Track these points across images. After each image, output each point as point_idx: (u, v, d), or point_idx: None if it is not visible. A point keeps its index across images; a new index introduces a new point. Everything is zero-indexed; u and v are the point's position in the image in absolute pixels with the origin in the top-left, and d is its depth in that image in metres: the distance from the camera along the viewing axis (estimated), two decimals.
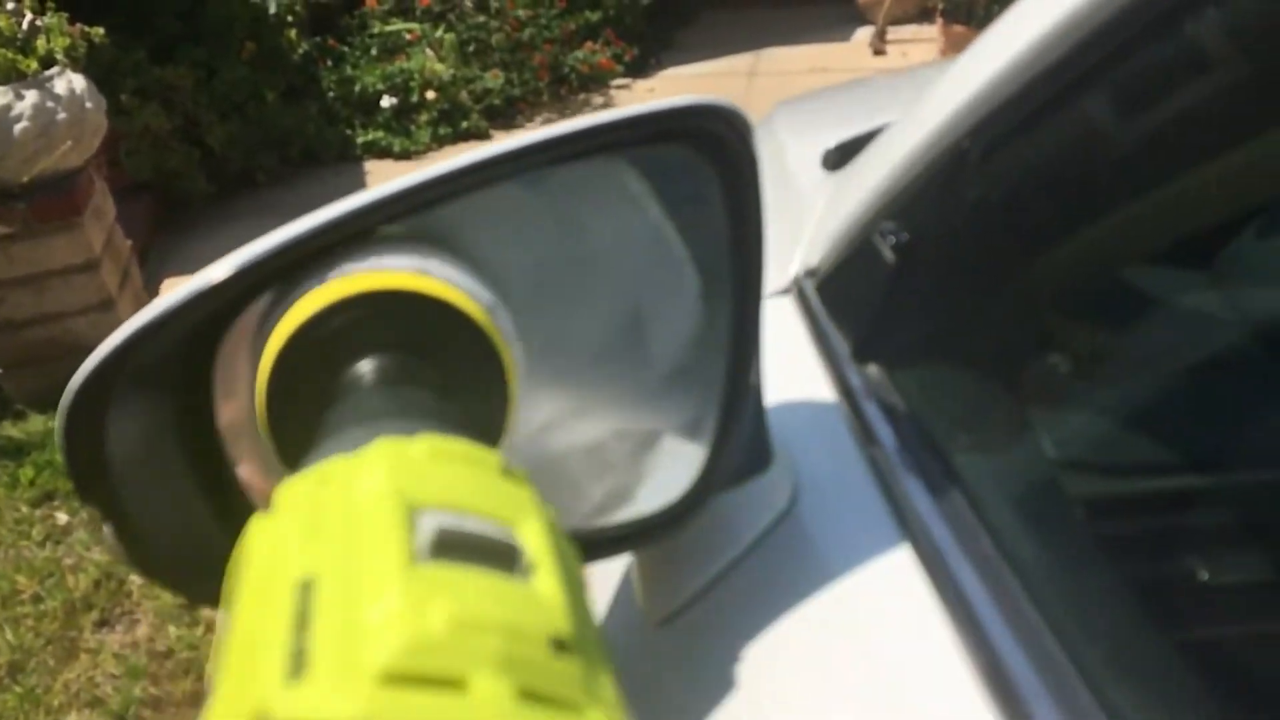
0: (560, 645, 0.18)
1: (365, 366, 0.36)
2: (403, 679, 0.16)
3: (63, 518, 2.29)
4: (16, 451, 2.49)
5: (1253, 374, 0.62)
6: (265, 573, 0.21)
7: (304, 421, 0.35)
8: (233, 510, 0.42)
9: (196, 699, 1.87)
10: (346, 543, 0.20)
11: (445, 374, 0.37)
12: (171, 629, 1.99)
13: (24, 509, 2.31)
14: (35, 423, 2.60)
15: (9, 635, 1.93)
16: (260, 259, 0.39)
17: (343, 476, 0.23)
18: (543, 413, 0.48)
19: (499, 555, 0.20)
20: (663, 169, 0.47)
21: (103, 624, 2.04)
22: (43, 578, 2.10)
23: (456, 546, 0.20)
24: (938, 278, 0.59)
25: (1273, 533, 0.57)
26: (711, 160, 0.45)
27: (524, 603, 0.19)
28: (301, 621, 0.18)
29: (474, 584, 0.19)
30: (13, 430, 2.57)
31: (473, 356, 0.38)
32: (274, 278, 0.40)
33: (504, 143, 0.42)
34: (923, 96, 0.65)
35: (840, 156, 0.88)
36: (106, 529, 0.39)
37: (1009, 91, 0.54)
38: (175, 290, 0.39)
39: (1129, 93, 0.50)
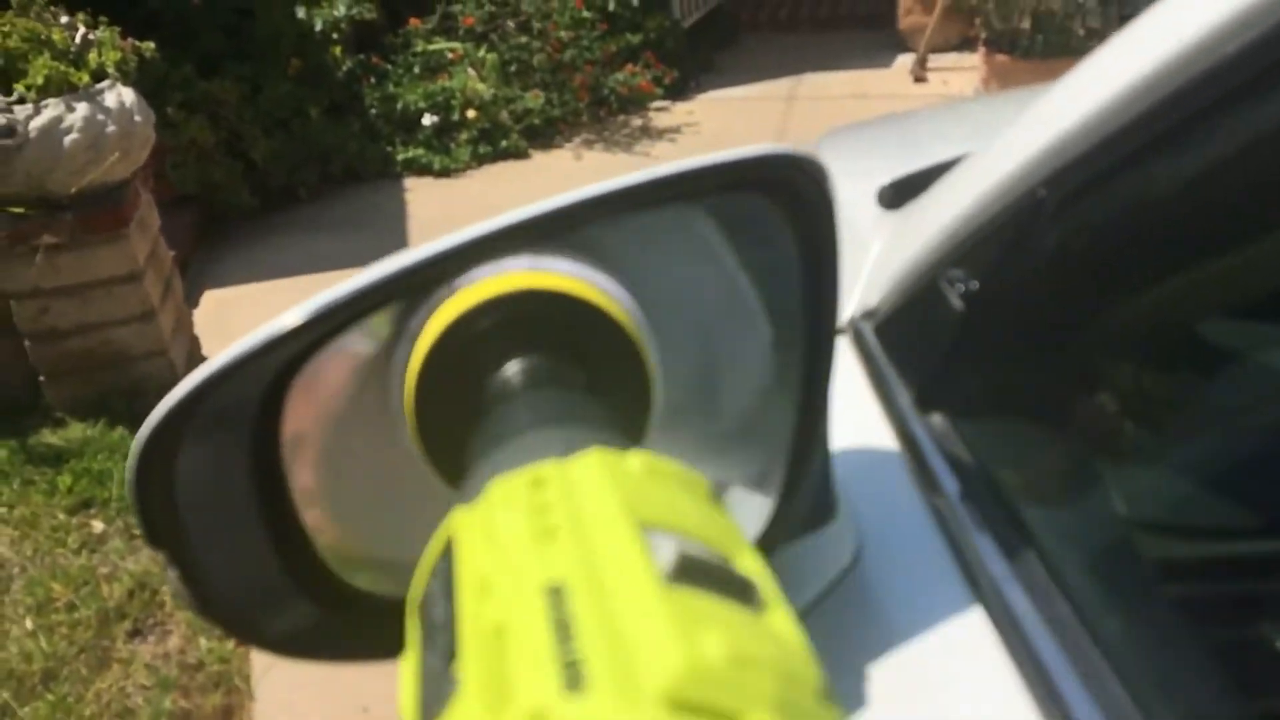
0: (825, 694, 0.17)
1: (513, 368, 0.36)
2: (682, 706, 0.16)
3: (99, 526, 2.31)
4: (55, 459, 2.51)
5: None
6: (503, 572, 0.21)
7: (454, 423, 0.36)
8: (298, 556, 0.42)
9: (226, 713, 1.87)
10: (587, 552, 0.20)
11: (591, 376, 0.37)
12: (203, 641, 2.00)
13: (61, 516, 2.33)
14: (75, 430, 2.62)
15: (43, 642, 1.94)
16: (334, 305, 0.38)
17: (559, 481, 0.23)
18: None
19: (735, 587, 0.20)
20: (736, 216, 0.46)
21: (135, 634, 2.04)
22: (78, 586, 2.11)
23: (695, 573, 0.20)
24: (1008, 328, 0.58)
25: None
26: (788, 210, 0.44)
27: (783, 644, 0.18)
28: (563, 630, 0.18)
29: (732, 617, 0.18)
30: (52, 438, 2.59)
31: (617, 359, 0.38)
32: (347, 323, 0.40)
33: (580, 191, 0.42)
34: (993, 139, 0.64)
35: (897, 194, 0.87)
36: (171, 573, 0.39)
37: (1090, 143, 0.52)
38: (249, 335, 0.39)
39: (1212, 150, 0.49)
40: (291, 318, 0.38)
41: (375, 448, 0.43)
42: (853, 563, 0.54)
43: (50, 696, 1.83)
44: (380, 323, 0.40)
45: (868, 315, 0.77)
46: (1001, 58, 4.39)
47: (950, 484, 0.55)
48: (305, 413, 0.41)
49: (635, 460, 0.24)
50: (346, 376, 0.42)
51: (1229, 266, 0.54)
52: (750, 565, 0.21)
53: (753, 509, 0.49)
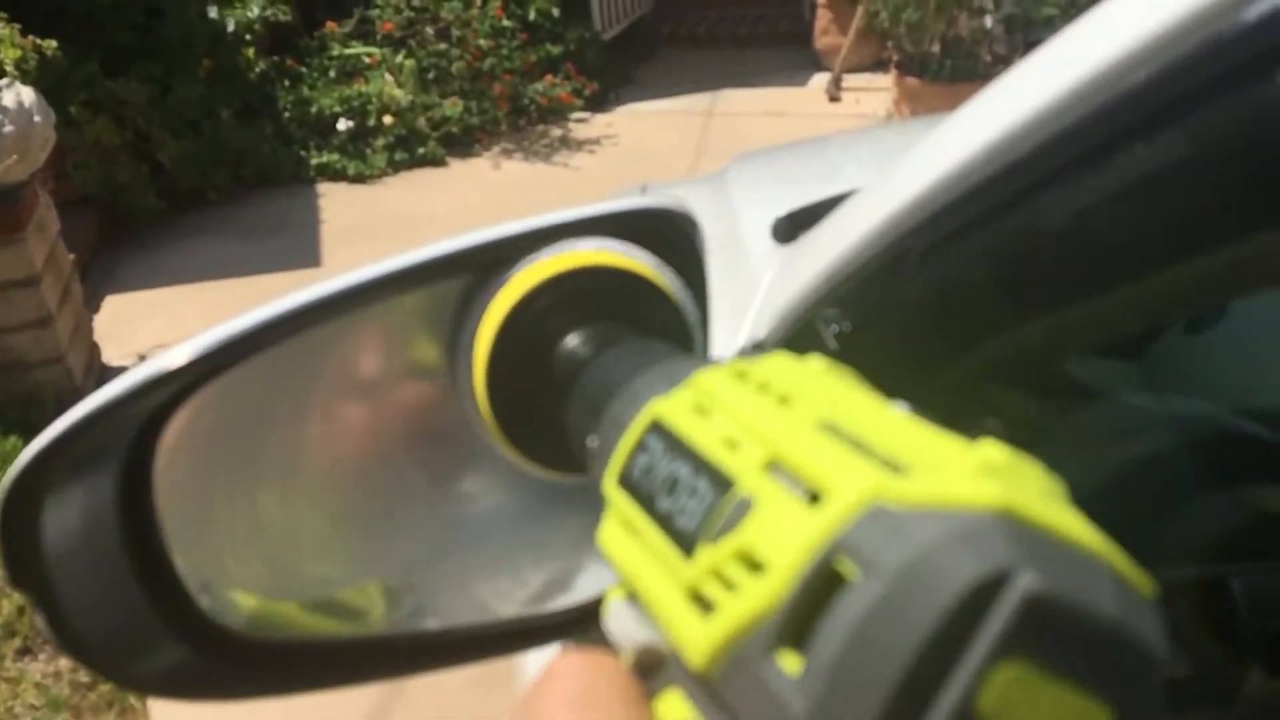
0: (1063, 497, 0.20)
1: (574, 339, 0.39)
2: (991, 478, 0.18)
3: None
4: None
5: (1171, 471, 0.64)
6: (754, 422, 0.23)
7: (527, 397, 0.39)
8: (168, 597, 0.42)
9: None
10: (833, 406, 0.23)
11: (642, 334, 0.39)
12: None
13: None
14: None
15: None
16: (215, 346, 0.39)
17: (760, 372, 0.26)
18: (508, 499, 0.48)
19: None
20: None
21: (25, 652, 1.98)
22: None
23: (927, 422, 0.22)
24: (877, 369, 0.61)
25: (1183, 630, 0.58)
26: (662, 257, 0.46)
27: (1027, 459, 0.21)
28: (860, 447, 0.20)
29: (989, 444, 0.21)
30: None
31: (665, 323, 0.41)
32: (226, 364, 0.40)
33: (458, 239, 0.43)
34: (874, 179, 0.67)
35: (790, 228, 0.90)
36: (38, 615, 0.39)
37: (952, 195, 0.55)
38: (122, 377, 0.39)
39: (1066, 206, 0.52)
40: (176, 357, 0.38)
41: (250, 488, 0.44)
42: None
43: None
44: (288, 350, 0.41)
45: (757, 347, 0.80)
46: (912, 80, 4.50)
47: None
48: (179, 452, 0.41)
49: (816, 361, 0.27)
50: (224, 415, 0.42)
51: (1081, 315, 0.57)
52: None
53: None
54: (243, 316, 0.40)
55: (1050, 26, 4.17)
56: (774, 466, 0.21)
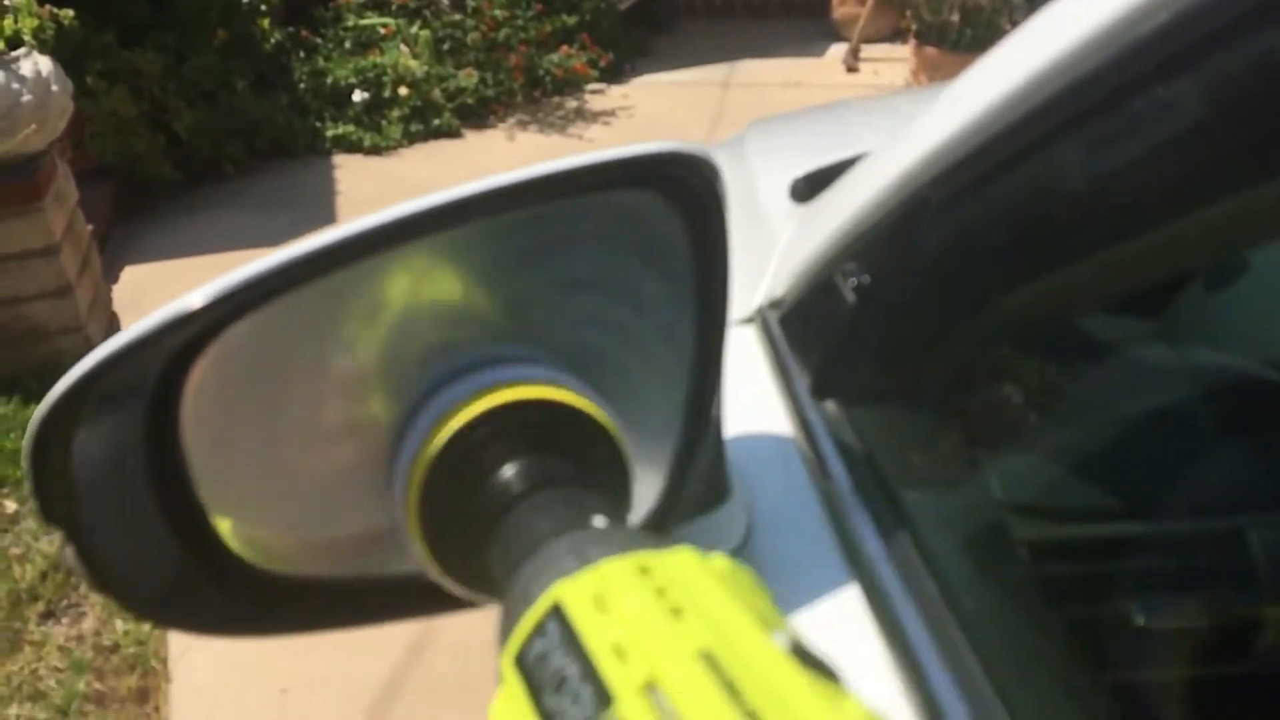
0: None
1: (509, 471, 0.40)
2: None
3: (11, 506, 2.26)
4: None
5: (1193, 424, 0.64)
6: (645, 634, 0.24)
7: (457, 525, 0.40)
8: (195, 533, 0.43)
9: (142, 695, 1.85)
10: (720, 631, 0.24)
11: (579, 472, 0.41)
12: (118, 623, 1.97)
13: None
14: None
15: None
16: (235, 288, 0.39)
17: (663, 569, 0.27)
18: None
19: (828, 671, 0.23)
20: (633, 208, 0.48)
21: (48, 616, 2.01)
22: None
23: (802, 657, 0.23)
24: (895, 321, 0.61)
25: (1205, 580, 0.59)
26: (680, 207, 0.46)
27: (872, 712, 0.22)
28: (731, 690, 0.22)
29: (851, 696, 0.22)
30: None
31: (601, 455, 0.42)
32: (249, 305, 0.41)
33: (479, 183, 0.43)
34: (890, 138, 0.66)
35: (808, 188, 0.90)
36: (68, 550, 0.40)
37: (969, 147, 0.55)
38: (149, 316, 0.39)
39: (1082, 157, 0.52)
40: (194, 299, 0.39)
41: (274, 430, 0.44)
42: (743, 543, 0.56)
43: None
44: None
45: (774, 305, 0.80)
46: (931, 50, 4.46)
47: (837, 469, 0.58)
48: (205, 393, 0.42)
49: (719, 560, 0.28)
50: (248, 358, 0.43)
51: (1099, 267, 0.57)
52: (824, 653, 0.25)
53: (644, 488, 0.51)
54: (262, 260, 0.40)
55: None
56: (652, 688, 0.22)
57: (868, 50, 5.33)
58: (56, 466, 0.38)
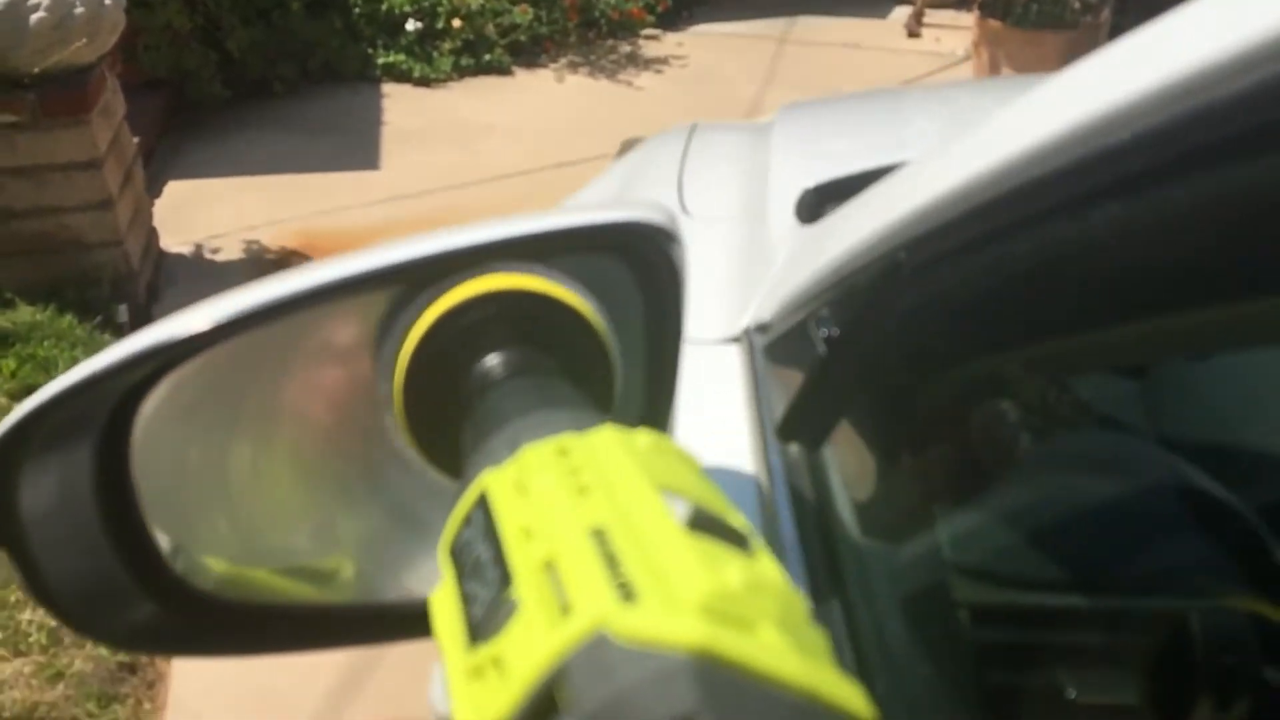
0: (811, 618, 0.22)
1: (493, 360, 0.40)
2: (712, 614, 0.20)
3: None
4: (2, 340, 2.51)
5: (1160, 500, 0.64)
6: (547, 515, 0.25)
7: (440, 408, 0.40)
8: (141, 557, 0.45)
9: None
10: (618, 506, 0.25)
11: (562, 364, 0.41)
12: None
13: (2, 400, 2.34)
14: (23, 314, 2.62)
15: None
16: (189, 338, 0.40)
17: (582, 450, 0.28)
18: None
19: (734, 537, 0.24)
20: (588, 265, 0.48)
21: None
22: None
23: (704, 524, 0.24)
24: (860, 376, 0.61)
25: (1144, 661, 0.59)
26: (635, 275, 0.47)
27: (774, 577, 0.23)
28: (611, 562, 0.22)
29: (739, 557, 0.23)
30: (0, 320, 2.59)
31: (586, 350, 0.43)
32: (205, 347, 0.42)
33: (451, 237, 0.43)
34: (885, 184, 0.66)
35: (812, 207, 0.89)
36: (14, 570, 0.42)
37: (945, 217, 0.55)
38: (102, 354, 0.41)
39: (1060, 240, 0.52)
40: (140, 341, 0.40)
41: (223, 459, 0.46)
42: None
43: None
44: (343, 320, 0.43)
45: (761, 329, 0.80)
46: (994, 23, 4.35)
47: (785, 518, 0.59)
48: (154, 424, 0.43)
49: (643, 437, 0.29)
50: (200, 391, 0.44)
51: (1071, 347, 0.57)
52: (740, 522, 0.25)
53: None
54: (219, 303, 0.41)
55: None
56: (550, 566, 0.23)
57: (932, 16, 5.22)
58: (6, 493, 0.40)
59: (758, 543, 0.25)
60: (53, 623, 1.83)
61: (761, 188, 1.11)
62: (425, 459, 0.42)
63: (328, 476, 0.48)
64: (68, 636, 1.83)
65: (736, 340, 0.81)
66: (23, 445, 0.40)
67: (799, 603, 0.22)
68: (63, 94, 2.57)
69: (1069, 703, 0.59)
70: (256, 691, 1.81)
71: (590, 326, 0.43)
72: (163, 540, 0.45)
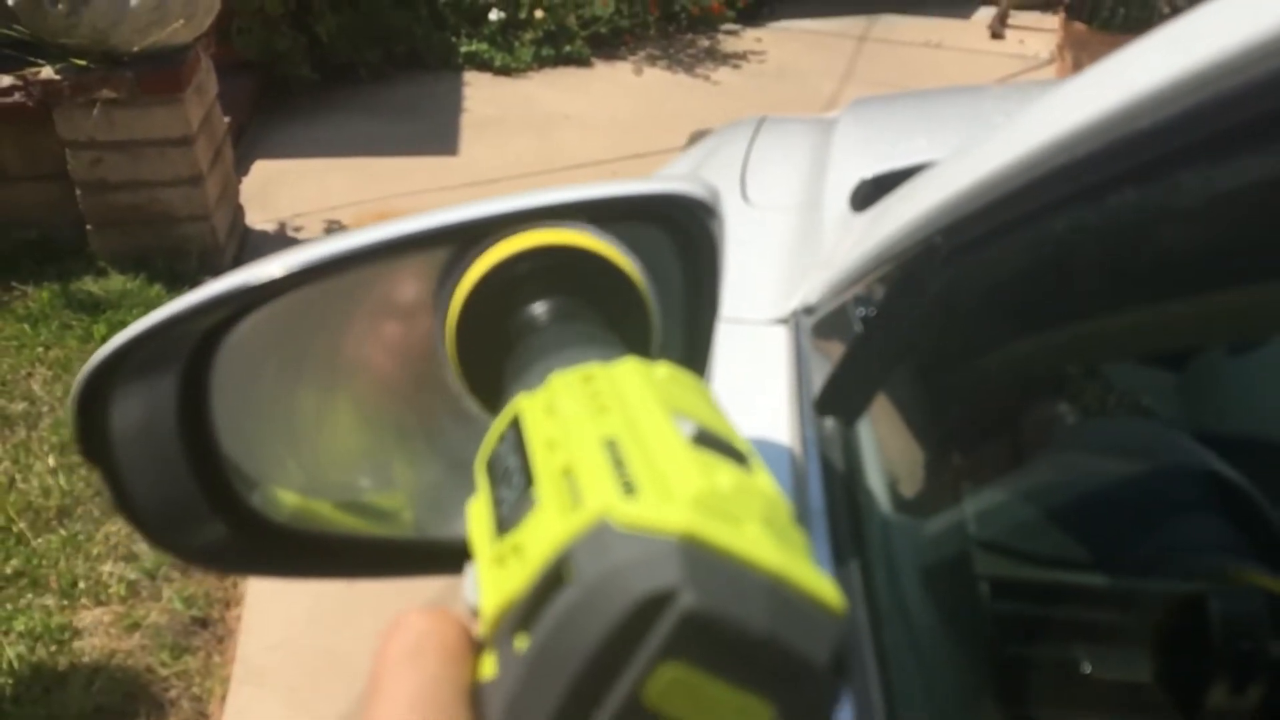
0: (796, 519, 0.25)
1: (539, 307, 0.44)
2: (704, 510, 0.22)
3: None
4: (94, 307, 2.63)
5: (1181, 484, 0.65)
6: (568, 429, 0.28)
7: (488, 348, 0.44)
8: (215, 482, 0.49)
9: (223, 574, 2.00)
10: (631, 422, 0.27)
11: (606, 316, 0.45)
12: None
13: None
14: (115, 281, 2.74)
15: (62, 481, 2.08)
16: (265, 283, 0.45)
17: (605, 377, 0.31)
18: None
19: (734, 454, 0.27)
20: (629, 235, 0.51)
21: None
22: None
23: (706, 441, 0.27)
24: (894, 355, 0.64)
25: (1162, 640, 0.61)
26: (676, 245, 0.50)
27: (767, 488, 0.26)
28: (619, 466, 0.25)
29: (733, 467, 0.26)
30: (93, 286, 2.71)
31: (627, 304, 0.46)
32: (279, 294, 0.46)
33: (492, 203, 0.47)
34: (915, 184, 0.68)
35: (865, 197, 0.92)
36: (105, 487, 0.47)
37: (982, 202, 0.57)
38: (186, 295, 0.45)
39: (1089, 224, 0.54)
40: (219, 286, 0.44)
41: (292, 400, 0.50)
42: None
43: (63, 532, 1.97)
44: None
45: (808, 311, 0.83)
46: (1079, 27, 4.29)
47: (815, 489, 0.61)
48: (234, 364, 0.48)
49: (662, 368, 0.32)
50: (275, 334, 0.49)
51: (1104, 331, 0.59)
52: (743, 444, 0.28)
53: None
54: (293, 254, 0.45)
55: None
56: (568, 472, 0.26)
57: (1016, 17, 5.15)
58: (98, 418, 0.45)
59: (756, 461, 0.27)
60: (131, 575, 1.93)
61: (821, 179, 1.13)
62: (476, 401, 0.46)
63: (388, 423, 0.52)
64: (145, 589, 1.92)
65: (784, 321, 0.84)
66: (114, 375, 0.45)
67: (784, 506, 0.25)
68: (159, 72, 2.68)
69: (1084, 677, 0.61)
70: (321, 652, 1.88)
71: (630, 281, 0.46)
72: (235, 468, 0.50)
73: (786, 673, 0.21)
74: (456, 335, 0.44)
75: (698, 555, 0.21)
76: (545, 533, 0.24)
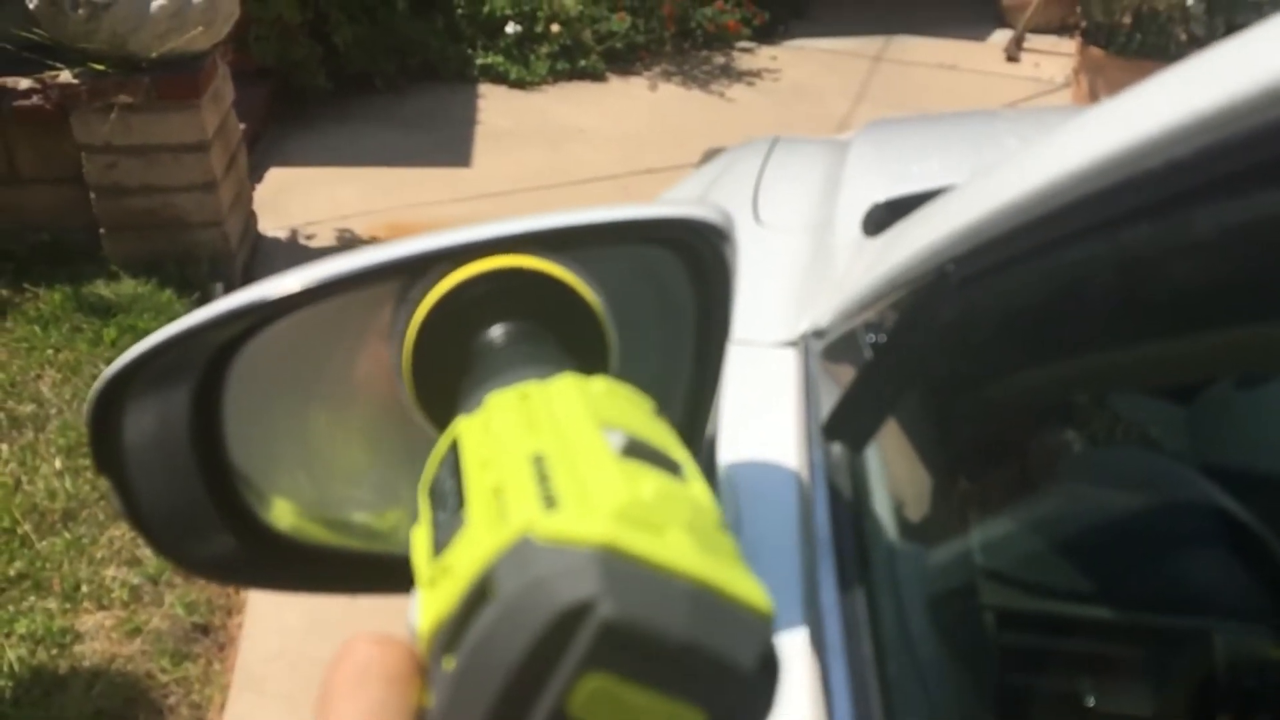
0: (723, 525, 0.25)
1: (496, 330, 0.44)
2: (624, 519, 0.22)
3: None
4: (105, 310, 2.64)
5: (1190, 521, 0.65)
6: (500, 448, 0.28)
7: (443, 370, 0.44)
8: (225, 495, 0.49)
9: None
10: (560, 437, 0.27)
11: (561, 340, 0.45)
12: None
13: (103, 366, 2.45)
14: (126, 286, 2.75)
15: (68, 483, 2.08)
16: (282, 298, 0.45)
17: (541, 394, 0.31)
18: None
19: (666, 463, 0.27)
20: (642, 256, 0.52)
21: None
22: None
23: (637, 452, 0.27)
24: (903, 380, 0.64)
25: (1165, 676, 0.61)
26: (688, 269, 0.50)
27: (697, 496, 0.26)
28: (544, 480, 0.25)
29: (661, 476, 0.26)
30: (105, 290, 2.72)
31: (583, 329, 0.46)
32: (294, 307, 0.46)
33: (505, 224, 0.47)
34: (928, 210, 0.68)
35: (877, 222, 0.92)
36: (115, 497, 0.47)
37: (995, 232, 0.57)
38: (201, 309, 0.46)
39: (1101, 257, 0.54)
40: (235, 300, 0.45)
41: (302, 417, 0.51)
42: None
43: (67, 535, 1.98)
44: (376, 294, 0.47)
45: (818, 335, 0.83)
46: (1096, 51, 4.29)
47: (821, 515, 0.61)
48: (246, 377, 0.48)
49: (598, 382, 0.32)
50: (285, 350, 0.49)
51: (1104, 359, 0.59)
52: (679, 454, 0.28)
53: None
54: (301, 273, 0.46)
55: (1258, 11, 3.90)
56: (498, 491, 0.26)
57: (1032, 41, 5.16)
58: (111, 429, 0.45)
59: (691, 469, 0.28)
60: (134, 580, 1.93)
61: (833, 201, 1.13)
62: (430, 424, 0.46)
63: (395, 441, 0.52)
64: (148, 594, 1.92)
65: (794, 344, 0.84)
66: (128, 386, 0.45)
67: (711, 512, 0.25)
68: (176, 78, 2.70)
69: (1087, 710, 0.60)
70: (320, 662, 1.87)
71: (586, 303, 0.46)
72: (246, 481, 0.50)
73: (712, 678, 0.21)
74: (412, 364, 0.45)
75: (617, 565, 0.21)
76: (471, 552, 0.24)
